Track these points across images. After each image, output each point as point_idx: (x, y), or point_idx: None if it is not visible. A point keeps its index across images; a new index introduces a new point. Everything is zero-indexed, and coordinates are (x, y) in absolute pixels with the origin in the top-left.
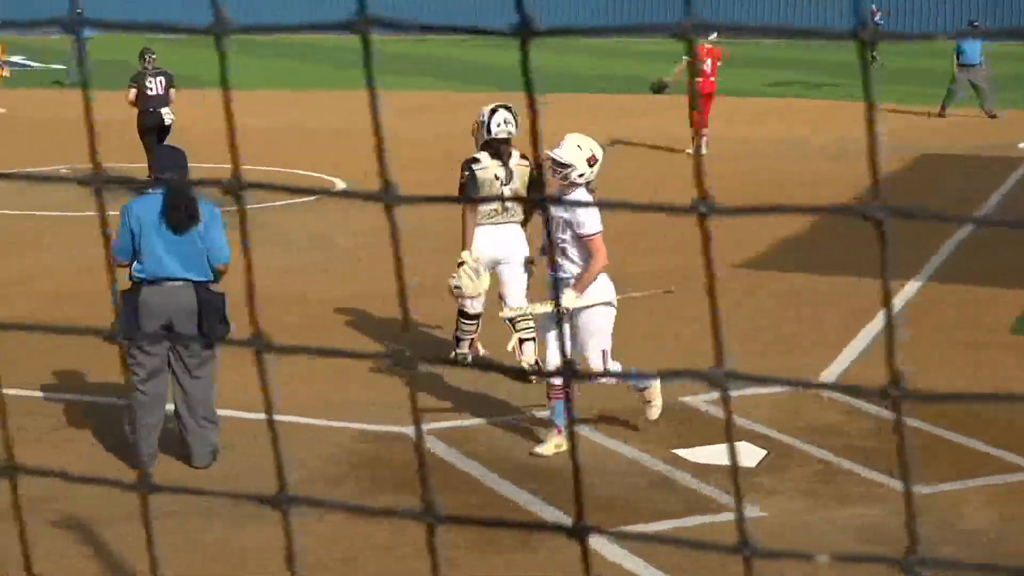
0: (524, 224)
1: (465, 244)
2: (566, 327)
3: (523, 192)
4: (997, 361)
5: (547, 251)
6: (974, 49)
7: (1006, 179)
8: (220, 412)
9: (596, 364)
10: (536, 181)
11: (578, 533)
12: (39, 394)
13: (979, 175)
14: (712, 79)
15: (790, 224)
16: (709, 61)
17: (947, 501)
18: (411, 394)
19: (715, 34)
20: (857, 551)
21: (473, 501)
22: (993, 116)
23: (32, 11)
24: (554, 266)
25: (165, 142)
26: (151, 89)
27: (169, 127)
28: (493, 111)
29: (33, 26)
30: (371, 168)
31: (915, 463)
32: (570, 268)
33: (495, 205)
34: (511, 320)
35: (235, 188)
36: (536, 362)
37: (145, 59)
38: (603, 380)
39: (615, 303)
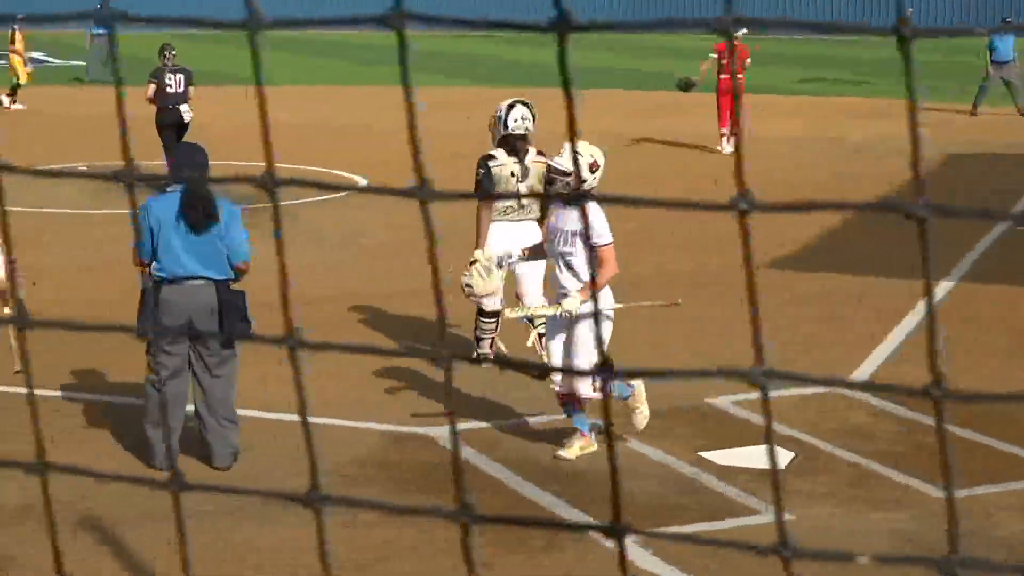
0: (540, 221)
1: (479, 242)
2: (607, 326)
3: (539, 189)
4: None
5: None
6: (1007, 45)
7: None
8: (240, 412)
9: (584, 377)
10: (550, 179)
11: (616, 533)
12: (57, 393)
13: (1013, 174)
14: (739, 76)
15: (818, 223)
16: (734, 57)
17: (980, 505)
18: (447, 392)
19: (742, 30)
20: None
21: (497, 503)
22: None
23: (50, 5)
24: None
25: (183, 139)
26: (170, 86)
27: (188, 124)
28: (510, 106)
29: (64, 20)
30: (394, 164)
31: (956, 464)
32: (570, 283)
33: (511, 202)
34: (529, 318)
35: (269, 185)
36: None
37: (165, 55)
38: (589, 394)
39: (612, 315)
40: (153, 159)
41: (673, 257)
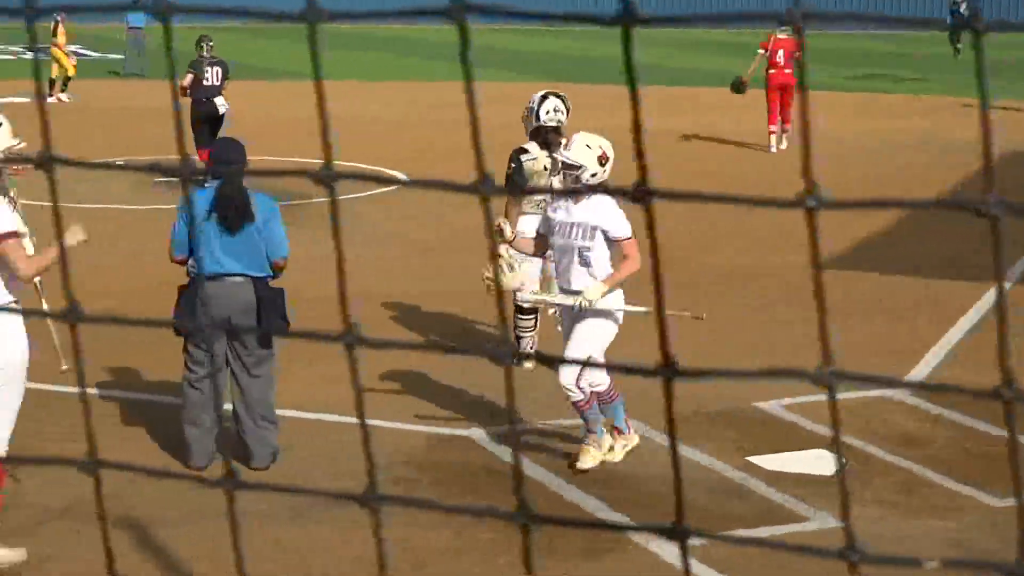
0: None
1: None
2: (613, 326)
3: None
4: None
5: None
6: None
7: None
8: (277, 412)
9: (568, 373)
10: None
11: (678, 535)
12: (95, 391)
13: None
14: (786, 71)
15: (871, 223)
16: (781, 52)
17: None
18: (508, 389)
19: (789, 24)
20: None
21: (540, 506)
22: None
23: None
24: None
25: (220, 133)
26: (207, 79)
27: (223, 117)
28: (543, 98)
29: (108, 12)
30: (429, 159)
31: None
32: (580, 280)
33: (545, 195)
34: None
35: (328, 179)
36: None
37: (203, 47)
38: (573, 397)
39: (620, 319)
40: (191, 153)
41: (720, 254)
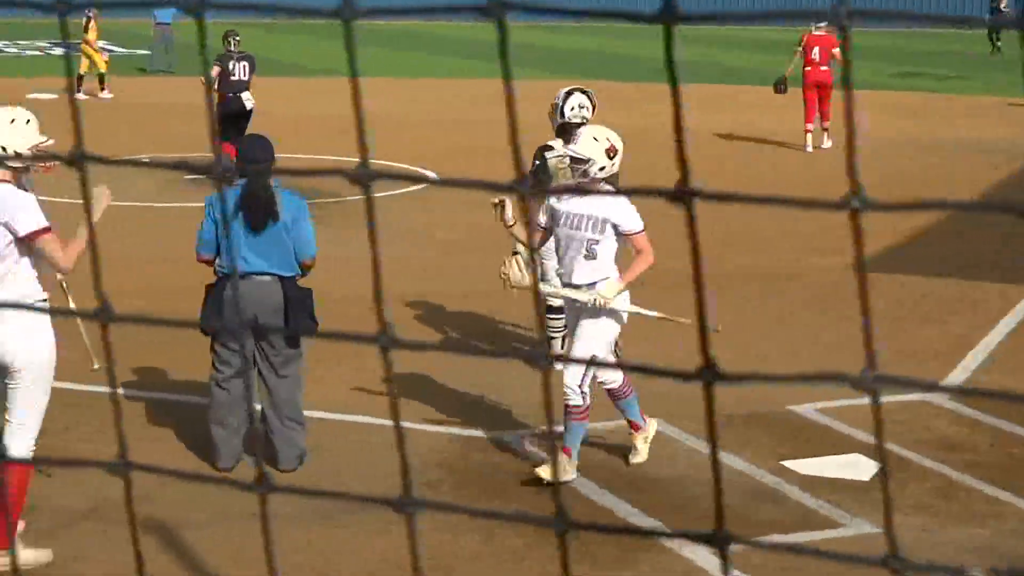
0: None
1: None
2: (616, 326)
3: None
4: None
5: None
6: None
7: None
8: (304, 413)
9: (574, 372)
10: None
11: (719, 542)
12: (120, 391)
13: None
14: (823, 68)
15: (910, 224)
16: (816, 49)
17: None
18: (544, 390)
19: (825, 22)
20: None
21: (572, 511)
22: None
23: None
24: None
25: (247, 128)
26: (234, 73)
27: (251, 112)
28: (568, 94)
29: (140, 7)
30: (458, 157)
31: None
32: (584, 274)
33: None
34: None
35: (364, 179)
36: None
37: (230, 42)
38: (570, 400)
39: (625, 318)
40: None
41: (747, 255)
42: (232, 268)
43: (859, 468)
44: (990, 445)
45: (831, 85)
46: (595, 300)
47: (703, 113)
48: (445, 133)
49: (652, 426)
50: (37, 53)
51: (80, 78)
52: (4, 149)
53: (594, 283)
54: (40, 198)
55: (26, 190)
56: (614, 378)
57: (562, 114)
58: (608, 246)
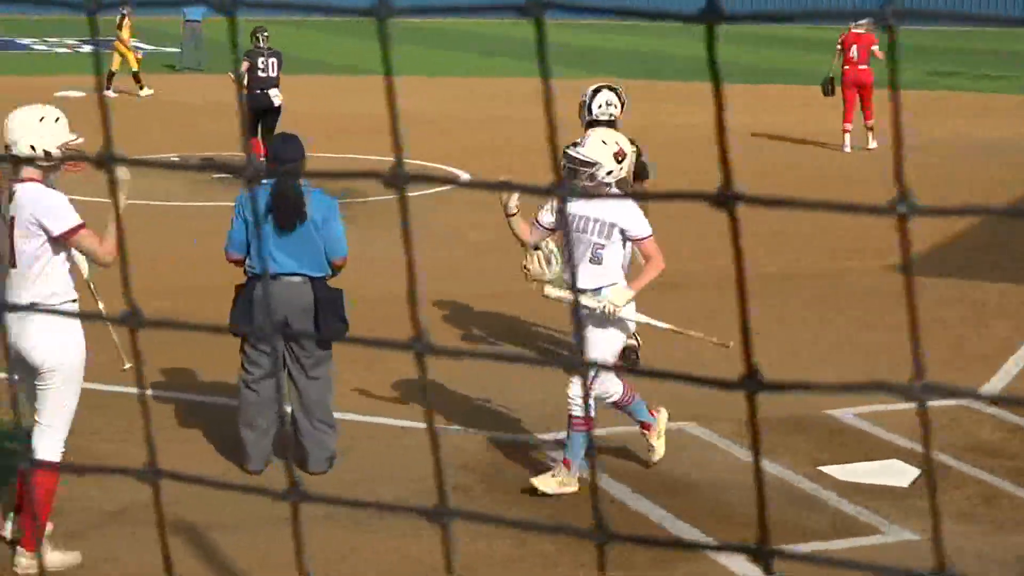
0: None
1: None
2: (621, 335)
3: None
4: None
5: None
6: None
7: None
8: (335, 415)
9: (576, 384)
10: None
11: (763, 556)
12: (149, 392)
13: None
14: (861, 67)
15: (950, 226)
16: (855, 48)
17: None
18: (584, 397)
19: (866, 19)
20: None
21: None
22: None
23: None
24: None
25: (276, 125)
26: (263, 69)
27: (279, 109)
28: (596, 91)
29: (178, 4)
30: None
31: None
32: (590, 278)
33: None
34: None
35: (399, 181)
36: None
37: (258, 39)
38: (574, 411)
39: (632, 329)
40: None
41: (789, 256)
42: (263, 269)
43: (898, 474)
44: None
45: (871, 84)
46: (604, 307)
47: (744, 112)
48: (471, 131)
49: (663, 418)
50: (66, 51)
51: (111, 75)
52: (33, 148)
53: (599, 288)
54: (73, 198)
55: (52, 188)
56: (614, 391)
57: (590, 111)
58: (615, 251)
